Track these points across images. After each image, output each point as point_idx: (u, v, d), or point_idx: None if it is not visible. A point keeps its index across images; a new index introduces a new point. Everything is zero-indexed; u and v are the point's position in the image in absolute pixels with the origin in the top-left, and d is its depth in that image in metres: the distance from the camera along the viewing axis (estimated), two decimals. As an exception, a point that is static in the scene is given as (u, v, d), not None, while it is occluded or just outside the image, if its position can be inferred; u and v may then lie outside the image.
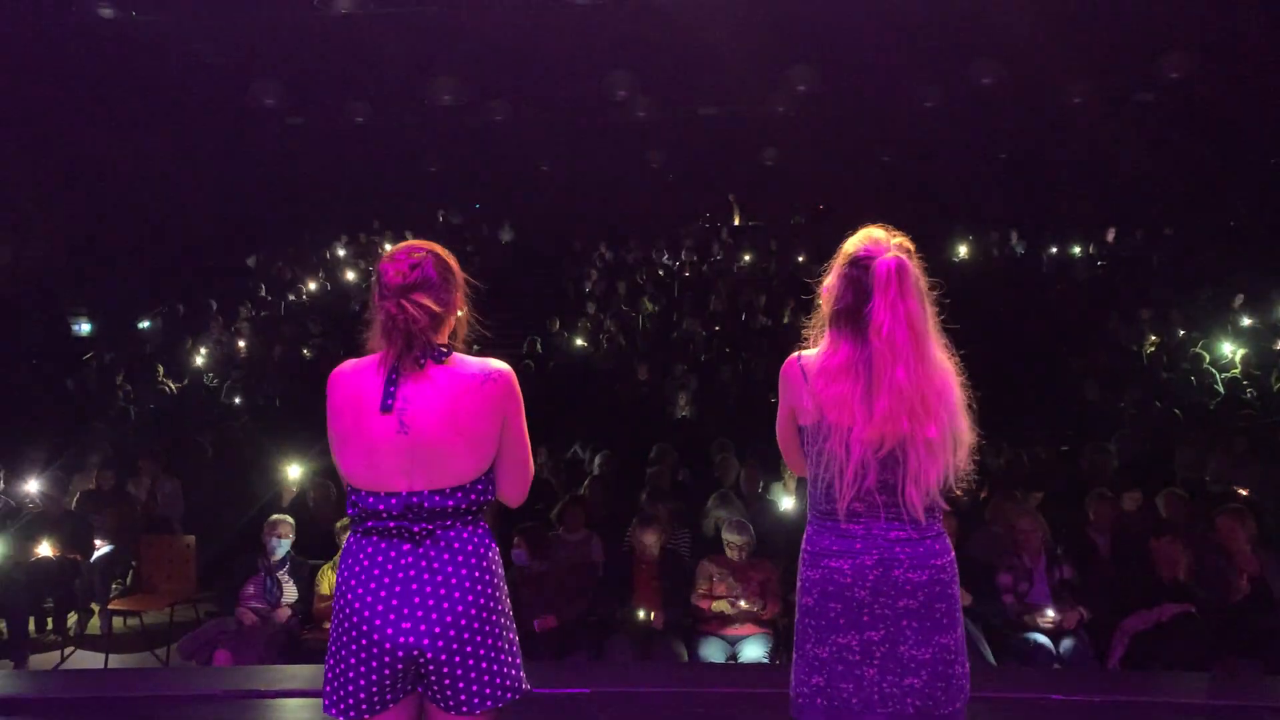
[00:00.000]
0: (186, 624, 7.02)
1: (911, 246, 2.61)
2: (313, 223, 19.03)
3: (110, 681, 5.60)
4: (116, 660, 6.90)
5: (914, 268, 2.54)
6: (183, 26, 9.53)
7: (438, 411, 2.47)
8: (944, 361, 2.57)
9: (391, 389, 2.47)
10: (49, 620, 7.57)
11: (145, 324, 15.35)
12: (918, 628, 2.56)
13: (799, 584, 2.69)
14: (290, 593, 6.20)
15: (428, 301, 2.48)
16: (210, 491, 9.13)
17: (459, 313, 2.62)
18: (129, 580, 7.93)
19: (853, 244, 2.61)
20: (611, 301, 15.00)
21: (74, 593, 7.49)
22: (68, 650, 7.13)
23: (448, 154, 16.93)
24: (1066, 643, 5.83)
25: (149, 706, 4.76)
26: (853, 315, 2.54)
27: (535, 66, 11.55)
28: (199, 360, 13.52)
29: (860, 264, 2.55)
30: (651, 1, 9.22)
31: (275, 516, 6.45)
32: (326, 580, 6.16)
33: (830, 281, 2.63)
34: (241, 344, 13.90)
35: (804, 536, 2.70)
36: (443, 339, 2.57)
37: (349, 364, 2.57)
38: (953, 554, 2.65)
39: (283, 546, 6.26)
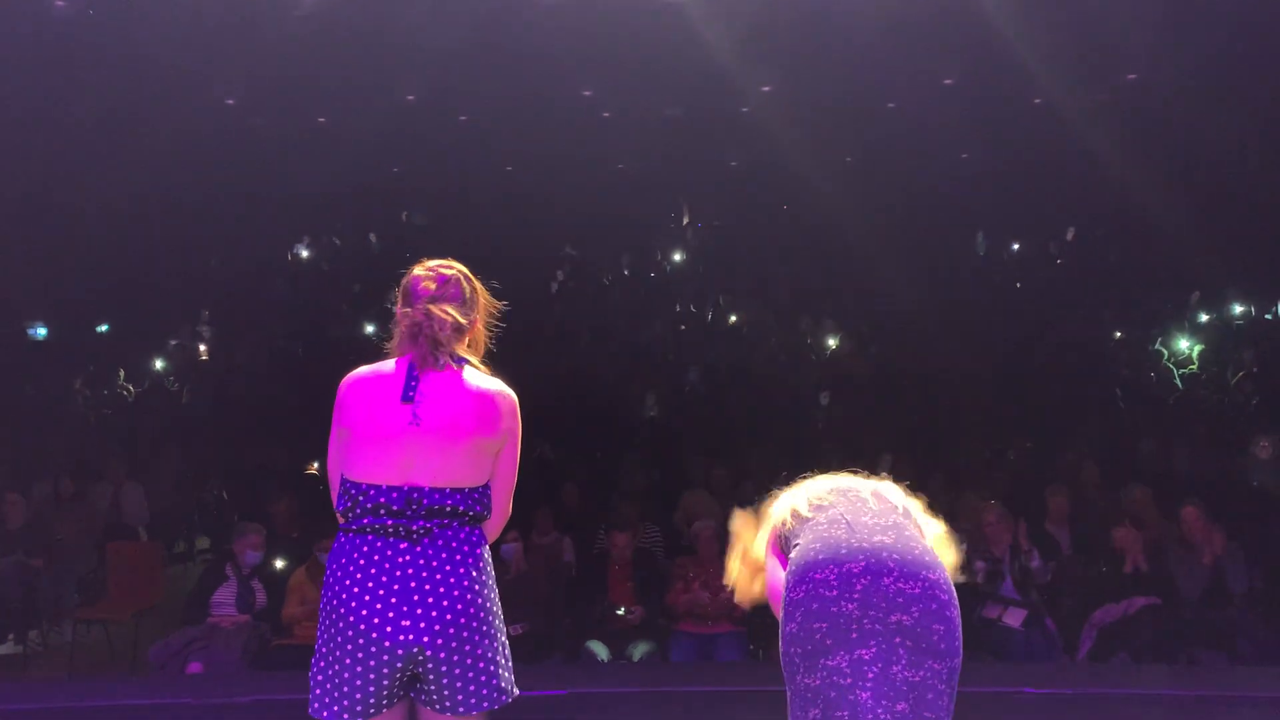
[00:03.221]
0: (154, 632, 6.90)
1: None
2: (276, 223, 18.76)
3: (77, 691, 5.51)
4: (82, 669, 6.76)
5: None
6: (140, 24, 9.37)
7: (450, 410, 2.55)
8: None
9: (413, 381, 2.55)
10: (10, 630, 7.40)
11: (104, 328, 15.10)
12: (911, 647, 2.38)
13: (782, 611, 2.54)
14: (262, 599, 6.13)
15: (454, 312, 2.61)
16: (176, 497, 9.01)
17: (479, 336, 2.75)
18: (93, 588, 7.77)
19: None
20: (578, 303, 14.98)
21: (36, 601, 7.33)
22: (31, 659, 6.99)
23: (411, 155, 16.78)
24: (1035, 634, 5.91)
25: (118, 716, 4.69)
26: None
27: (500, 67, 11.49)
28: (159, 364, 13.32)
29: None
30: (616, 3, 9.19)
31: (246, 524, 6.37)
32: (299, 587, 6.08)
33: None
34: (203, 347, 13.73)
35: (789, 559, 2.60)
36: (461, 350, 2.68)
37: (362, 369, 2.66)
38: (945, 570, 2.52)
39: (255, 554, 6.19)
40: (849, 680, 2.37)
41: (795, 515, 2.70)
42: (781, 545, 2.73)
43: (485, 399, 2.59)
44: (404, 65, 10.95)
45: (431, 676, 2.49)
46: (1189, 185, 16.39)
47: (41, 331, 14.68)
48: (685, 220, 19.51)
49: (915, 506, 2.77)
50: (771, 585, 2.77)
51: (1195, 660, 5.65)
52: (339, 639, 2.48)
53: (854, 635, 2.38)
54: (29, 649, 7.15)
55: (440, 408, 2.54)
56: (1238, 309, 14.12)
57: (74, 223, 14.80)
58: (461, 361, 2.63)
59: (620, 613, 6.11)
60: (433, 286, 2.63)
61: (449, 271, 2.69)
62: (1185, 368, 12.00)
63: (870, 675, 2.37)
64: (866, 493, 2.72)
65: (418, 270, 2.68)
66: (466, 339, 2.69)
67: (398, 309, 2.65)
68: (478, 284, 2.74)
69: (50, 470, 9.15)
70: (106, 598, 7.20)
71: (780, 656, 2.50)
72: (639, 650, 6.02)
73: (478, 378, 2.64)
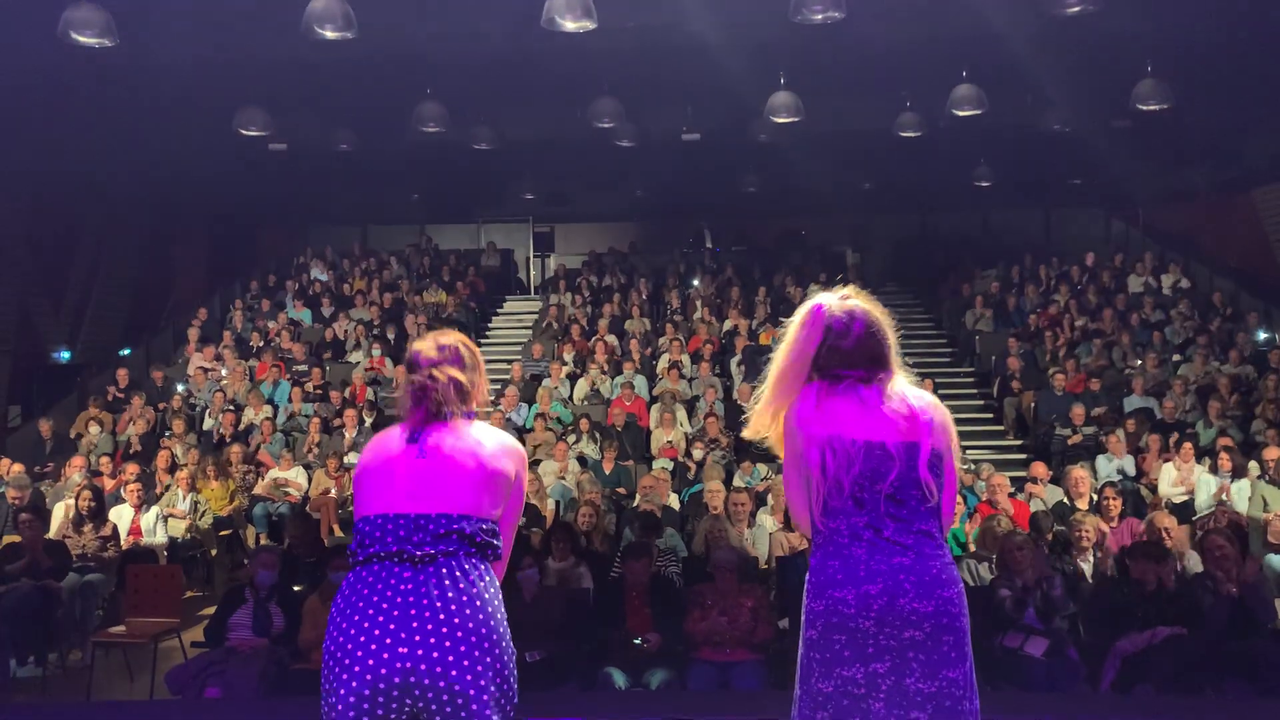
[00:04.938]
0: (172, 655, 6.91)
1: (861, 304, 2.82)
2: (296, 248, 19.01)
3: (96, 715, 5.51)
4: (100, 693, 6.76)
5: (868, 312, 2.77)
6: (166, 54, 9.49)
7: (456, 446, 2.65)
8: (914, 387, 2.76)
9: (419, 428, 2.69)
10: (30, 653, 7.42)
11: (126, 351, 15.26)
12: (924, 660, 2.55)
13: (803, 617, 2.69)
14: (279, 622, 6.12)
15: (456, 373, 2.73)
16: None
17: (481, 398, 2.85)
18: (111, 610, 7.80)
19: (805, 307, 2.86)
20: (597, 327, 15.01)
21: (55, 622, 7.34)
22: (50, 682, 7.00)
23: (431, 180, 16.99)
24: (1057, 664, 5.83)
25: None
26: (823, 358, 2.74)
27: (520, 94, 11.63)
28: (180, 387, 13.41)
29: (819, 317, 2.78)
30: (636, 31, 9.28)
31: (261, 546, 6.38)
32: (314, 611, 6.07)
33: (794, 337, 2.82)
34: (224, 371, 13.80)
35: (809, 567, 2.71)
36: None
37: (380, 434, 2.82)
38: (961, 585, 2.66)
39: (270, 576, 6.19)
40: (863, 690, 2.55)
41: (813, 466, 2.66)
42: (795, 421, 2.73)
43: (490, 443, 2.71)
44: (425, 94, 11.10)
45: (435, 706, 2.47)
46: (1208, 209, 16.39)
47: (65, 354, 14.86)
48: (707, 244, 19.62)
49: (939, 414, 2.72)
50: (786, 452, 2.77)
51: (1220, 691, 5.55)
52: (336, 668, 2.49)
53: (870, 650, 2.56)
54: (48, 672, 7.17)
55: (446, 443, 2.66)
56: (1262, 335, 14.03)
57: (96, 247, 14.99)
58: (469, 415, 2.76)
59: (637, 642, 6.06)
60: (434, 354, 2.77)
61: (446, 340, 2.84)
62: (1209, 396, 11.87)
63: (884, 687, 2.55)
64: (889, 475, 2.63)
65: (418, 344, 2.84)
66: (473, 402, 2.81)
67: (403, 378, 2.83)
68: (475, 349, 2.89)
69: (70, 488, 9.22)
70: (124, 619, 7.20)
71: (799, 658, 2.67)
72: (656, 678, 5.97)
73: (484, 429, 2.76)
